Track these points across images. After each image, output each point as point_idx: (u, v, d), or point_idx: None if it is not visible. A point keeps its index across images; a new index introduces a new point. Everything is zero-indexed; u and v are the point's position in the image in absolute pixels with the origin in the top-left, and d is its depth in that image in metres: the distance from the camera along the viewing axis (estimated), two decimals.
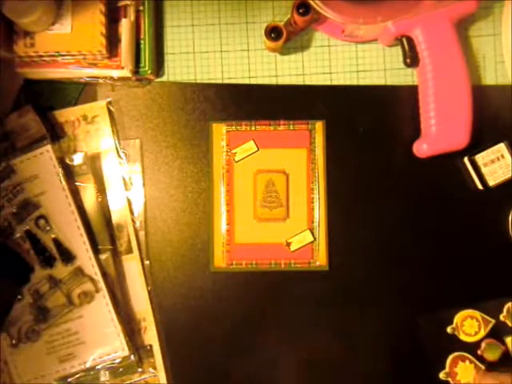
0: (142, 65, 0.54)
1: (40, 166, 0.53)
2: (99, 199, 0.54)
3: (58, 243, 0.52)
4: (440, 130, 0.51)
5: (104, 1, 0.51)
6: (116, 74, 0.53)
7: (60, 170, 0.53)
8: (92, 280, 0.52)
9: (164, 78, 0.56)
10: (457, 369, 0.54)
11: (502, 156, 0.54)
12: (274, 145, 0.55)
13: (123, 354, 0.52)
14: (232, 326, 0.54)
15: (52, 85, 0.55)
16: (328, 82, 0.56)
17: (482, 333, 0.54)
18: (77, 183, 0.54)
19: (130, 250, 0.54)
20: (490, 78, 0.55)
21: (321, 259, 0.54)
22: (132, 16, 0.53)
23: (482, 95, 0.53)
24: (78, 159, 0.54)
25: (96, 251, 0.53)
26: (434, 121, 0.51)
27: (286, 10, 0.55)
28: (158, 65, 0.56)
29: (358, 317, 0.54)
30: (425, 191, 0.55)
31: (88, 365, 0.52)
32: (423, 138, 0.53)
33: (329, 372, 0.54)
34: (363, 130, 0.54)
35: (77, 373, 0.52)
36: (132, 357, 0.53)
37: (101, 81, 0.54)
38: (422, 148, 0.53)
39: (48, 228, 0.52)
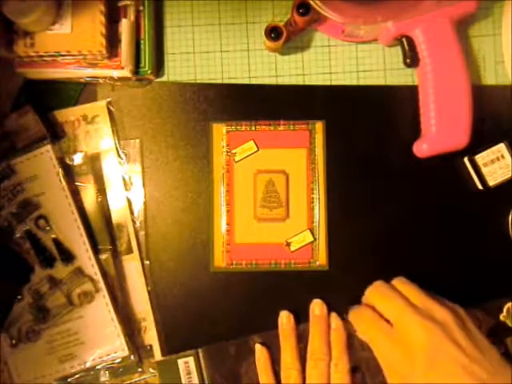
0: (141, 65, 0.54)
1: (40, 166, 0.53)
2: (99, 199, 0.54)
3: (58, 243, 0.52)
4: (440, 129, 0.51)
5: (104, 1, 0.51)
6: (116, 74, 0.53)
7: (60, 170, 0.53)
8: (92, 280, 0.52)
9: (164, 78, 0.56)
10: None
11: (502, 156, 0.54)
12: (274, 145, 0.55)
13: (123, 354, 0.52)
14: (232, 326, 0.54)
15: (52, 85, 0.55)
16: (328, 82, 0.56)
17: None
18: (77, 183, 0.54)
19: (130, 250, 0.54)
20: (490, 78, 0.55)
21: (321, 259, 0.54)
22: (132, 16, 0.53)
23: (481, 95, 0.53)
24: (78, 159, 0.54)
25: (96, 251, 0.53)
26: (434, 121, 0.51)
27: (286, 9, 0.55)
28: (158, 65, 0.56)
29: None
30: (425, 191, 0.55)
31: (88, 365, 0.52)
32: (423, 138, 0.53)
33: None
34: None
35: (77, 373, 0.52)
36: (132, 357, 0.53)
37: (101, 81, 0.54)
38: (422, 148, 0.53)
39: (48, 228, 0.52)
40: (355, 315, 0.52)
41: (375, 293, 0.51)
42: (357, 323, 0.51)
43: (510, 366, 0.45)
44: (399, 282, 0.51)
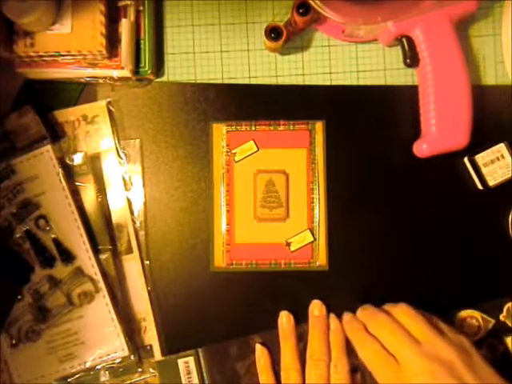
0: (141, 65, 0.54)
1: (40, 166, 0.53)
2: (99, 199, 0.54)
3: (58, 243, 0.52)
4: (440, 130, 0.51)
5: (104, 1, 0.51)
6: (116, 73, 0.53)
7: (60, 170, 0.53)
8: (92, 280, 0.52)
9: (164, 78, 0.56)
10: None
11: (502, 156, 0.54)
12: (274, 145, 0.55)
13: (123, 354, 0.52)
14: (232, 326, 0.54)
15: (52, 85, 0.55)
16: (328, 82, 0.56)
17: (482, 333, 0.54)
18: (77, 183, 0.54)
19: (130, 250, 0.54)
20: (489, 78, 0.55)
21: (321, 259, 0.54)
22: (132, 16, 0.53)
23: (482, 95, 0.53)
24: (77, 159, 0.54)
25: (96, 251, 0.53)
26: (434, 121, 0.51)
27: (286, 10, 0.55)
28: (158, 65, 0.56)
29: None
30: (425, 191, 0.55)
31: (88, 365, 0.52)
32: (423, 138, 0.53)
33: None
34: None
35: (77, 373, 0.52)
36: (132, 357, 0.53)
37: (101, 81, 0.54)
38: (422, 148, 0.53)
39: (48, 228, 0.52)
40: (357, 339, 0.50)
41: (376, 324, 0.49)
42: (359, 348, 0.50)
43: None
44: (401, 312, 0.49)
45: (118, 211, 0.55)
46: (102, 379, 0.53)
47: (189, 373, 0.53)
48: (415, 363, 0.46)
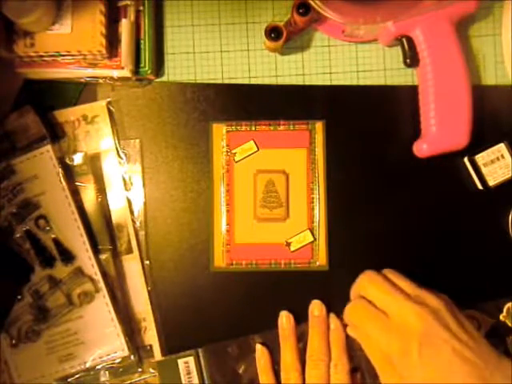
0: (141, 65, 0.54)
1: (40, 166, 0.53)
2: (99, 199, 0.54)
3: (58, 243, 0.52)
4: (440, 129, 0.51)
5: (104, 1, 0.51)
6: (116, 73, 0.53)
7: (60, 170, 0.53)
8: (92, 280, 0.52)
9: (164, 78, 0.56)
10: None
11: (502, 156, 0.54)
12: (274, 145, 0.55)
13: (123, 354, 0.52)
14: (232, 326, 0.54)
15: (52, 85, 0.55)
16: (328, 82, 0.56)
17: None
18: (77, 183, 0.54)
19: (130, 250, 0.54)
20: (490, 78, 0.55)
21: (321, 259, 0.54)
22: (132, 16, 0.53)
23: (482, 95, 0.53)
24: (78, 159, 0.54)
25: (96, 251, 0.53)
26: (434, 121, 0.51)
27: (286, 9, 0.55)
28: (158, 65, 0.56)
29: None
30: (425, 191, 0.55)
31: (88, 365, 0.52)
32: (423, 138, 0.53)
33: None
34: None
35: (77, 373, 0.52)
36: (132, 357, 0.53)
37: (101, 81, 0.54)
38: (422, 148, 0.53)
39: (48, 228, 0.52)
40: (348, 310, 0.51)
41: (368, 282, 0.51)
42: (351, 317, 0.51)
43: (497, 353, 0.45)
44: (389, 272, 0.51)
45: (117, 211, 0.55)
46: (102, 379, 0.53)
47: (189, 373, 0.53)
48: (403, 308, 0.47)
